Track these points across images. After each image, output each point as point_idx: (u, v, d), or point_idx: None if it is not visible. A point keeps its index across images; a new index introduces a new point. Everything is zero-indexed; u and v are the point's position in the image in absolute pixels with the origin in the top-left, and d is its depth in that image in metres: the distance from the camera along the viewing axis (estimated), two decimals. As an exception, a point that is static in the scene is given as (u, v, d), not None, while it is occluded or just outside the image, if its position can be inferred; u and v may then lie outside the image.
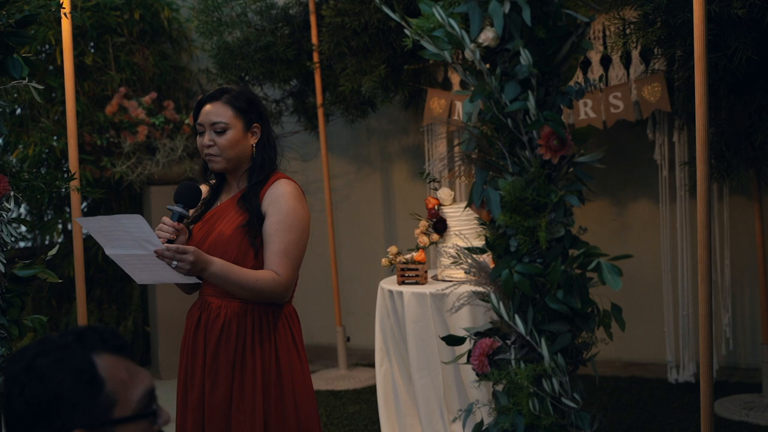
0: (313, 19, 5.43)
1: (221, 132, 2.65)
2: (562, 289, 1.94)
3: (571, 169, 2.00)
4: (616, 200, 5.55)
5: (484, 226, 2.14)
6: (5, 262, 2.74)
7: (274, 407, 2.65)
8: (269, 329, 2.68)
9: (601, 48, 4.85)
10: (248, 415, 2.62)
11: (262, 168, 2.72)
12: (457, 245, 2.14)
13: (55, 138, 5.81)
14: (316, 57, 5.46)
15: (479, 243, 2.16)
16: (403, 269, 3.86)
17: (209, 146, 2.67)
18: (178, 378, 2.78)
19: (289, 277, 2.63)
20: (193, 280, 2.54)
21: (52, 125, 5.84)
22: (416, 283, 3.84)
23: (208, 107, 2.69)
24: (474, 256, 2.08)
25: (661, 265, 5.10)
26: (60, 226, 6.50)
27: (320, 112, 5.61)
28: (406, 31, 2.07)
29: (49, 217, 6.49)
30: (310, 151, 6.46)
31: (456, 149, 2.13)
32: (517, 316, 1.98)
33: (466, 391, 3.67)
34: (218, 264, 2.53)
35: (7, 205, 2.72)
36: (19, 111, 6.06)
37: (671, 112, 4.70)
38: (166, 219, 2.62)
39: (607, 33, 4.78)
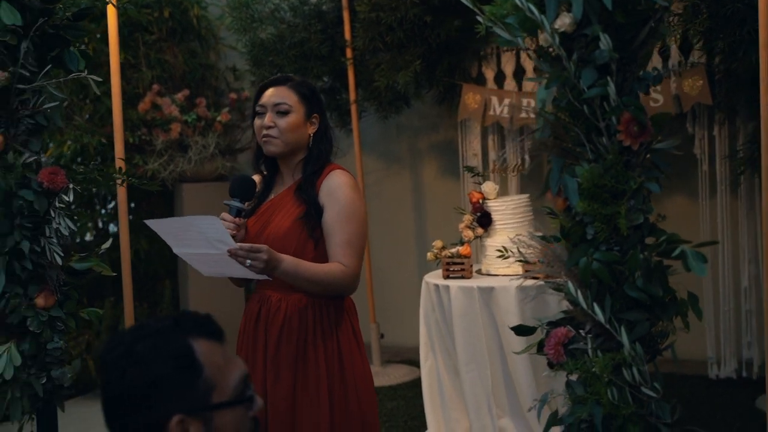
0: (346, 15, 5.42)
1: (283, 113, 2.64)
2: (642, 276, 1.92)
3: (648, 156, 1.98)
4: (654, 195, 5.50)
5: (552, 216, 2.12)
6: (62, 255, 2.74)
7: (338, 402, 2.63)
8: (330, 323, 2.66)
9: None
10: (313, 411, 2.60)
11: (318, 159, 2.70)
12: (531, 233, 2.11)
13: (88, 136, 5.81)
14: (349, 53, 5.45)
15: (548, 233, 2.13)
16: (448, 263, 3.84)
17: (269, 127, 2.65)
18: None
19: (355, 268, 2.63)
20: (263, 277, 2.53)
21: (85, 123, 5.85)
22: (461, 277, 3.82)
23: (271, 90, 2.68)
24: (550, 244, 2.06)
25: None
26: (90, 224, 6.50)
27: (353, 108, 5.60)
28: (479, 18, 2.05)
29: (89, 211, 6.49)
30: (341, 148, 6.42)
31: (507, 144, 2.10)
32: (595, 305, 1.96)
33: (514, 385, 3.65)
34: (288, 261, 2.52)
35: (66, 198, 2.72)
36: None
37: (712, 105, 4.67)
38: (225, 215, 2.61)
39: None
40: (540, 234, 2.11)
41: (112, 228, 6.71)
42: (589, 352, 1.99)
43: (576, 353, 2.03)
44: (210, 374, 1.43)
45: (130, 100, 6.14)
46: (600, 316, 1.94)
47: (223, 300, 5.68)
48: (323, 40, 5.50)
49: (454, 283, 3.73)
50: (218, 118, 6.10)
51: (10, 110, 2.70)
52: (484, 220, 3.86)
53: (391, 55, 5.19)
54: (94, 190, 5.73)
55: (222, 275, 2.64)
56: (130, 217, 6.43)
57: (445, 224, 6.00)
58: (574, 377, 2.06)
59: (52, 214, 2.72)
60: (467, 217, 3.91)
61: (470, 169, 4.07)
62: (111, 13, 3.57)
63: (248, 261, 2.41)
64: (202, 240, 2.47)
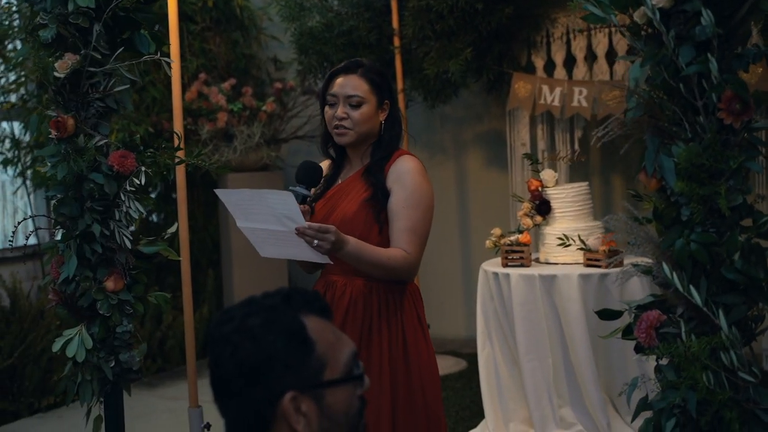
0: (394, 3, 5.38)
1: (356, 106, 2.62)
2: (742, 258, 1.88)
3: (746, 135, 1.93)
4: (753, 174, 5.36)
5: (637, 198, 2.09)
6: (131, 238, 2.73)
7: (401, 385, 2.60)
8: (395, 307, 2.64)
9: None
10: (375, 393, 2.58)
11: (389, 145, 2.68)
12: (620, 214, 2.07)
13: (135, 124, 5.82)
14: (397, 41, 5.41)
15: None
16: (507, 251, 3.81)
17: (342, 119, 2.63)
18: None
19: (417, 255, 2.61)
20: (325, 259, 2.51)
21: (132, 111, 5.86)
22: (521, 266, 3.78)
23: (342, 79, 2.65)
24: (642, 225, 2.02)
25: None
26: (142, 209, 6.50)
27: (401, 96, 5.56)
28: (570, -5, 2.02)
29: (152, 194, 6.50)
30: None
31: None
32: (691, 287, 1.91)
33: (576, 375, 3.61)
34: (353, 243, 2.50)
35: (137, 180, 2.71)
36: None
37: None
38: None
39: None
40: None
41: (153, 217, 6.73)
42: (683, 335, 1.95)
43: (668, 337, 1.99)
44: (322, 351, 1.41)
45: (174, 90, 6.14)
46: (697, 298, 1.90)
47: (267, 288, 5.66)
48: (371, 28, 5.47)
49: (514, 272, 3.69)
50: (263, 108, 6.09)
51: (81, 93, 2.70)
52: (543, 207, 3.82)
53: (440, 43, 5.15)
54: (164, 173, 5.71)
55: (281, 256, 2.62)
56: (169, 205, 6.46)
57: (490, 214, 5.96)
58: (664, 362, 2.02)
59: (122, 198, 2.72)
60: (526, 205, 3.87)
61: (529, 156, 4.02)
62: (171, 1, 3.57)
63: (315, 241, 2.39)
64: (271, 215, 2.45)
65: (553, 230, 3.77)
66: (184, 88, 6.10)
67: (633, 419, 2.11)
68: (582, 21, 4.93)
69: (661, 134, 1.95)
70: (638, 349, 2.07)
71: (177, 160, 2.92)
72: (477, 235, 6.14)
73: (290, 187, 2.66)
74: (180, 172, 3.62)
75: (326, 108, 2.68)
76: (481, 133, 6.31)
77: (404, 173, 2.62)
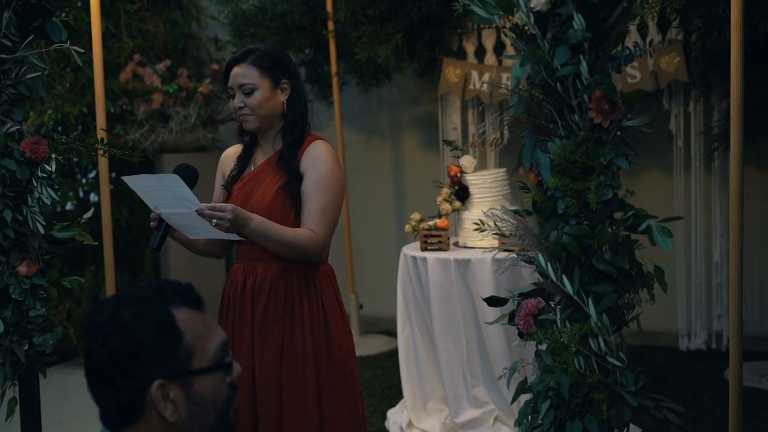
0: (328, -13, 5.43)
1: (249, 93, 2.70)
2: (610, 250, 1.99)
3: (619, 133, 2.04)
4: (630, 169, 5.57)
5: (525, 190, 2.18)
6: (44, 224, 2.77)
7: (324, 357, 2.71)
8: (314, 286, 2.74)
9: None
10: (299, 370, 2.67)
11: (294, 125, 2.74)
12: (504, 206, 2.17)
13: (69, 105, 5.80)
14: (331, 25, 5.46)
15: (523, 207, 2.19)
16: (426, 236, 3.91)
17: (240, 108, 2.71)
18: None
19: (325, 236, 2.69)
20: (234, 236, 2.59)
21: (66, 92, 5.84)
22: (439, 250, 3.88)
23: (235, 70, 2.73)
24: (521, 217, 2.12)
25: (674, 234, 5.15)
26: (70, 193, 6.51)
27: (335, 81, 5.63)
28: (456, -5, 2.10)
29: (68, 181, 6.49)
30: (322, 120, 6.41)
31: (482, 118, 2.16)
32: (564, 277, 2.02)
33: (489, 355, 3.73)
34: (257, 220, 2.59)
35: (48, 167, 2.75)
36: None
37: (688, 82, 4.73)
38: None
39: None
40: (513, 208, 2.17)
41: (93, 197, 6.71)
42: (558, 322, 2.06)
43: (545, 324, 2.11)
44: (190, 341, 1.49)
45: (111, 70, 6.13)
46: (569, 287, 2.01)
47: (204, 270, 5.72)
48: (305, 12, 5.51)
49: (431, 255, 3.80)
50: (199, 89, 6.10)
51: (-8, 80, 2.72)
52: (462, 193, 3.92)
53: (372, 28, 5.21)
54: (75, 159, 5.72)
55: (204, 237, 2.69)
56: (112, 186, 6.47)
57: (425, 197, 6.06)
58: (543, 347, 2.13)
59: (35, 184, 2.75)
60: (445, 191, 3.97)
61: (449, 143, 4.11)
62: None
63: (214, 220, 2.46)
64: (172, 198, 2.52)
65: (471, 215, 3.88)
66: (120, 68, 6.10)
67: (512, 401, 2.23)
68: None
69: (539, 131, 2.05)
70: (520, 335, 2.18)
71: (96, 148, 2.94)
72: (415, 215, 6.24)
73: None
74: (102, 160, 3.63)
75: (231, 100, 2.76)
76: (416, 116, 6.39)
77: (317, 158, 2.71)
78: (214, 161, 6.16)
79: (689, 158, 5.01)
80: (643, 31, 4.83)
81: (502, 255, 2.40)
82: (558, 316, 2.07)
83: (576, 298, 2.02)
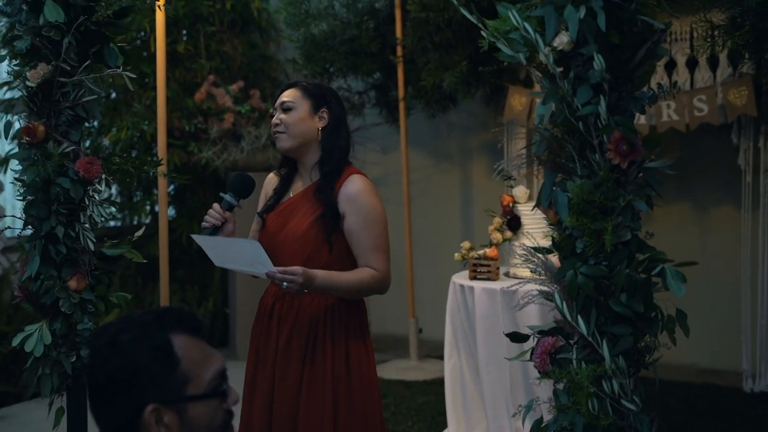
0: (398, 13, 5.49)
1: (287, 110, 2.77)
2: (626, 292, 1.97)
3: (641, 174, 2.02)
4: (697, 204, 5.46)
5: (552, 227, 2.17)
6: (95, 240, 2.88)
7: (343, 399, 2.71)
8: (341, 321, 2.74)
9: (688, 50, 4.78)
10: (318, 406, 2.68)
11: (331, 155, 2.78)
12: (524, 244, 2.17)
13: (146, 122, 6.01)
14: (399, 51, 5.52)
15: (547, 243, 2.19)
16: (475, 264, 3.90)
17: (276, 125, 2.79)
18: (248, 360, 2.87)
19: (385, 269, 2.73)
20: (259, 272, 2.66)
21: (143, 110, 6.04)
22: (488, 279, 3.88)
23: (283, 94, 2.83)
24: (541, 255, 2.11)
25: (740, 272, 5.01)
26: (148, 207, 6.72)
27: (401, 105, 5.68)
28: (483, 33, 2.11)
29: (138, 198, 6.71)
30: (389, 144, 6.53)
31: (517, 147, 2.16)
32: (579, 317, 2.01)
33: (533, 388, 3.69)
34: (322, 276, 2.62)
35: (99, 186, 2.86)
36: (114, 95, 6.29)
37: (757, 116, 4.61)
38: (215, 206, 2.74)
39: (694, 35, 4.72)
40: (534, 245, 2.16)
41: (170, 212, 6.91)
42: (574, 362, 2.04)
43: (563, 363, 2.09)
44: (186, 367, 1.54)
45: (188, 89, 6.33)
46: (583, 328, 2.00)
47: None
48: (374, 37, 5.58)
49: (478, 284, 3.79)
50: (271, 110, 6.22)
51: (52, 102, 2.85)
52: (513, 223, 3.90)
53: (439, 54, 5.25)
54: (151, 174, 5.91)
55: (234, 267, 2.77)
56: (184, 202, 6.66)
57: (491, 223, 6.04)
58: (560, 386, 2.11)
59: (87, 202, 2.87)
60: (497, 220, 3.96)
61: (502, 172, 4.11)
62: (159, 16, 3.71)
63: (285, 283, 2.51)
64: (242, 260, 2.60)
65: (518, 247, 3.86)
66: (197, 87, 6.28)
67: (527, 440, 2.21)
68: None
69: (559, 169, 2.04)
70: (540, 372, 2.16)
71: (145, 170, 3.04)
72: (479, 243, 6.22)
73: (220, 193, 2.79)
74: (162, 181, 3.75)
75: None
76: (486, 141, 6.38)
77: (356, 195, 2.72)
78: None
79: (758, 194, 4.87)
80: (713, 63, 4.73)
81: (527, 288, 2.38)
82: (574, 356, 2.05)
83: (590, 339, 1.99)
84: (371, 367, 2.80)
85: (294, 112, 2.77)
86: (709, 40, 4.12)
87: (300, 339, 2.73)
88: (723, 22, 4.08)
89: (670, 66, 4.84)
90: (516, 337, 2.26)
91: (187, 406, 1.53)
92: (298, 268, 2.54)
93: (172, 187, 6.80)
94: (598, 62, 1.92)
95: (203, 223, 2.75)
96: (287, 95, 2.80)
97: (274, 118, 2.82)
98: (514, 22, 1.98)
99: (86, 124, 6.44)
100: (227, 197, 2.73)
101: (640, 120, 4.58)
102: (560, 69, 2.05)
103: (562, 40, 1.98)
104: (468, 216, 6.53)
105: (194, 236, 2.69)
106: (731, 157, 4.95)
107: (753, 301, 4.96)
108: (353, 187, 2.73)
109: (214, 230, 2.73)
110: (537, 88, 5.39)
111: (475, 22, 2.09)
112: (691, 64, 4.82)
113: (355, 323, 2.78)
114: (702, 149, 5.26)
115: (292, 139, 2.77)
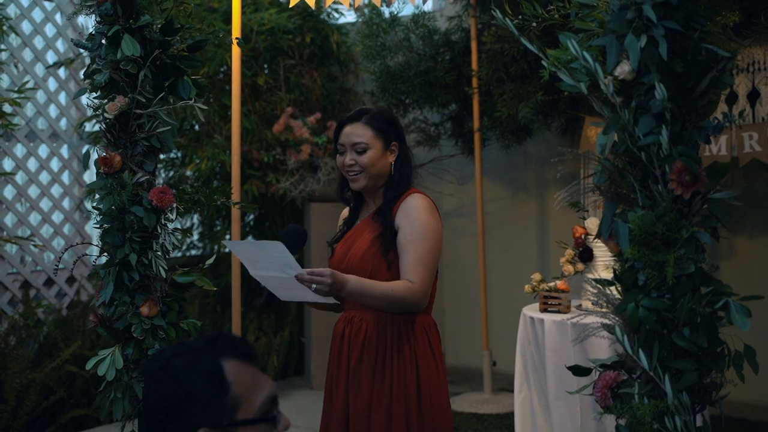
0: (474, 45, 5.50)
1: (362, 152, 2.78)
2: (689, 326, 1.92)
3: (706, 206, 1.97)
4: (710, 243, 5.29)
5: (616, 258, 2.13)
6: (167, 268, 2.95)
7: (414, 409, 2.71)
8: (408, 336, 2.76)
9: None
10: (386, 416, 2.70)
11: (399, 185, 2.82)
12: (588, 277, 2.14)
13: (226, 153, 6.14)
14: (475, 82, 5.53)
15: (609, 275, 2.15)
16: (545, 297, 3.85)
17: (351, 165, 2.79)
18: (325, 386, 2.91)
19: (424, 285, 2.70)
20: (330, 300, 2.66)
21: (223, 141, 6.18)
22: (558, 312, 3.82)
23: (348, 129, 2.82)
24: (602, 287, 2.08)
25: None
26: (228, 236, 6.84)
27: (476, 136, 5.67)
28: (544, 63, 2.10)
29: (218, 227, 6.84)
30: (466, 175, 6.52)
31: (589, 180, 2.14)
32: (641, 351, 1.96)
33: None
34: (353, 281, 2.64)
35: (170, 216, 2.94)
36: (197, 127, 6.46)
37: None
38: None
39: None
40: (596, 276, 2.12)
41: (249, 239, 7.02)
42: (636, 397, 1.99)
43: (625, 398, 2.04)
44: (237, 392, 1.56)
45: (268, 121, 6.45)
46: (644, 362, 1.95)
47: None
48: (450, 68, 5.61)
49: (548, 317, 3.74)
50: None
51: (129, 133, 2.94)
52: (585, 255, 3.84)
53: (514, 85, 5.24)
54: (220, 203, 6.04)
55: (296, 300, 2.77)
56: (263, 232, 6.77)
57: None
58: (622, 421, 2.06)
59: (159, 230, 2.95)
60: (569, 252, 3.90)
61: (574, 204, 4.05)
62: (235, 50, 3.81)
63: (313, 285, 2.53)
64: (273, 264, 2.62)
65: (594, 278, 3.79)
66: (276, 119, 6.40)
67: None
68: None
69: (620, 200, 2.01)
70: (602, 407, 2.12)
71: (215, 200, 3.10)
72: (555, 275, 6.14)
73: (261, 302, 2.82)
74: (235, 211, 3.82)
75: (338, 156, 2.84)
76: (564, 172, 6.32)
77: (411, 209, 2.75)
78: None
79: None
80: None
81: (589, 321, 2.34)
82: (636, 391, 2.00)
83: (652, 374, 1.94)
84: (442, 385, 2.79)
85: (369, 153, 2.78)
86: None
87: (369, 357, 2.75)
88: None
89: (753, 96, 4.71)
90: (578, 371, 2.22)
91: (238, 431, 1.55)
92: (326, 270, 2.55)
93: (251, 217, 6.92)
94: (660, 91, 1.89)
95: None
96: (358, 134, 2.79)
97: (346, 158, 2.81)
98: (573, 52, 1.96)
99: (171, 156, 6.64)
100: (265, 297, 2.76)
101: (721, 151, 4.48)
102: (622, 98, 2.03)
103: (623, 69, 1.96)
104: (544, 248, 6.45)
105: (226, 242, 2.73)
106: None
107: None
108: (410, 203, 2.76)
109: (270, 295, 2.76)
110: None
111: (536, 51, 2.08)
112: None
113: (423, 339, 2.78)
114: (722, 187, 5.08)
115: (368, 179, 2.80)
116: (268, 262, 2.61)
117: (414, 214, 2.73)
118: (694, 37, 1.94)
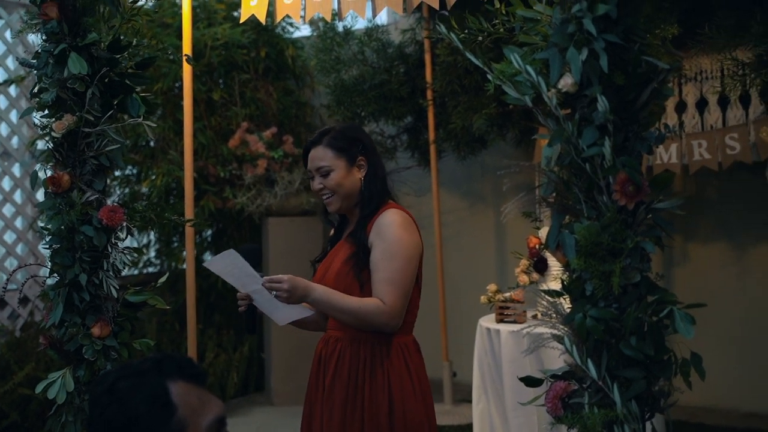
0: (428, 57, 5.54)
1: (326, 175, 2.75)
2: (636, 335, 1.93)
3: (650, 216, 1.99)
4: (735, 244, 5.37)
5: (564, 269, 2.15)
6: (118, 288, 2.92)
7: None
8: (381, 359, 2.70)
9: (719, 88, 4.73)
10: None
11: (370, 201, 2.78)
12: (538, 288, 2.15)
13: (181, 170, 6.09)
14: (429, 95, 5.56)
15: (558, 285, 2.17)
16: (501, 308, 3.87)
17: (320, 189, 2.78)
18: (304, 406, 2.87)
19: (395, 305, 2.65)
20: (306, 312, 2.67)
21: (179, 157, 6.14)
22: (514, 322, 3.84)
23: (312, 153, 2.80)
24: (550, 298, 2.09)
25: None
26: (185, 253, 6.78)
27: (432, 148, 5.70)
28: (489, 76, 2.12)
29: (176, 244, 6.78)
30: (423, 186, 6.53)
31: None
32: (590, 361, 1.98)
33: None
34: (320, 290, 2.63)
35: (121, 234, 2.90)
36: (152, 143, 6.40)
37: (790, 154, 4.54)
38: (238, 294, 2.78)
39: (725, 72, 4.67)
40: (544, 288, 2.14)
41: (206, 256, 6.96)
42: (586, 407, 2.01)
43: (576, 407, 2.05)
44: (183, 415, 1.54)
45: (224, 136, 6.43)
46: (593, 372, 1.96)
47: (305, 332, 5.81)
48: (404, 81, 5.63)
49: (504, 328, 3.76)
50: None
51: (77, 151, 2.91)
52: (540, 265, 3.87)
53: (468, 97, 5.27)
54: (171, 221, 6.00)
55: (290, 319, 2.75)
56: (221, 248, 6.72)
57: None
58: (574, 431, 2.07)
59: (110, 250, 2.91)
60: (523, 262, 3.93)
61: (528, 214, 4.08)
62: (187, 69, 3.79)
63: (273, 291, 2.53)
64: (243, 276, 2.61)
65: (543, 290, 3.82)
66: (232, 134, 6.37)
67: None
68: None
69: (567, 211, 2.03)
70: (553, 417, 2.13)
71: (167, 217, 3.08)
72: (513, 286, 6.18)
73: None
74: (189, 229, 3.80)
75: (311, 182, 2.84)
76: (520, 183, 6.35)
77: (384, 227, 2.71)
78: (317, 225, 6.38)
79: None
80: (745, 101, 4.68)
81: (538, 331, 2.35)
82: (586, 401, 2.01)
83: (600, 383, 1.96)
84: (418, 406, 2.72)
85: (333, 174, 2.75)
86: (737, 78, 4.08)
87: (341, 380, 2.71)
88: (750, 59, 4.05)
89: (701, 104, 4.79)
90: (531, 381, 2.23)
91: None
92: (284, 276, 2.55)
93: (209, 232, 6.88)
94: (602, 103, 1.91)
95: (239, 308, 2.76)
96: (320, 158, 2.77)
97: (315, 183, 2.80)
98: (516, 66, 1.98)
99: (126, 173, 6.56)
100: (246, 323, 2.77)
101: (672, 159, 4.54)
102: (567, 111, 2.05)
103: (566, 82, 1.98)
104: (502, 258, 6.49)
105: (206, 264, 2.72)
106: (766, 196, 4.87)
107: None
108: (382, 220, 2.72)
109: (251, 311, 2.74)
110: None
111: (480, 65, 2.10)
112: (723, 102, 4.77)
113: (398, 361, 2.72)
114: (739, 188, 5.18)
115: (341, 199, 2.78)
116: (242, 276, 2.61)
117: (386, 231, 2.69)
118: (634, 50, 1.97)
